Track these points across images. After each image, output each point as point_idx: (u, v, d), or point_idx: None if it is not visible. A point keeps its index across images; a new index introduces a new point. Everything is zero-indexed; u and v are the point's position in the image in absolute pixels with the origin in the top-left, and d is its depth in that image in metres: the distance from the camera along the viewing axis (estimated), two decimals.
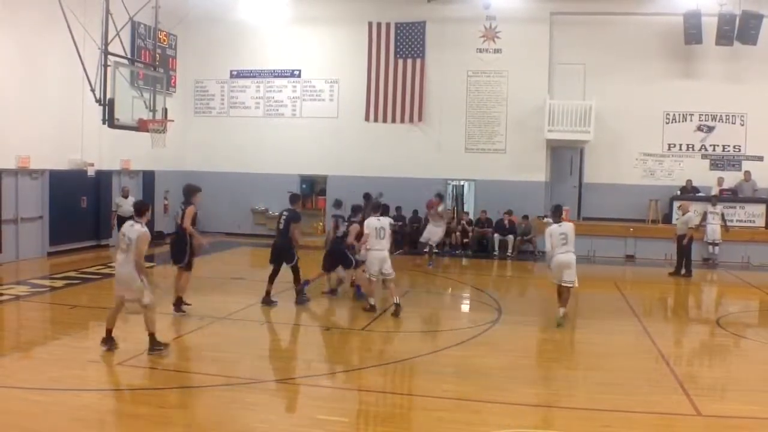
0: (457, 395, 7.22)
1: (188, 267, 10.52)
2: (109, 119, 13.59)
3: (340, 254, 11.88)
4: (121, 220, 16.49)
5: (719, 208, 17.75)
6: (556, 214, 10.89)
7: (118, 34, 14.05)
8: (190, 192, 10.54)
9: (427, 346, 9.36)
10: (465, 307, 13.13)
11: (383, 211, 11.52)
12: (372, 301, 11.13)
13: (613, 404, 6.94)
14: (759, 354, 9.44)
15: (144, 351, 8.31)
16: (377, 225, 11.03)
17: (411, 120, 20.62)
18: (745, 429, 6.53)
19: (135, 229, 8.17)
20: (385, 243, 11.06)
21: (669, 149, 20.07)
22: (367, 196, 13.32)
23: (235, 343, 9.08)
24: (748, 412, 6.81)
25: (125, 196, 16.77)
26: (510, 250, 18.96)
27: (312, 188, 22.37)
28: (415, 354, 8.71)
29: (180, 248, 10.49)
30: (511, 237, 19.03)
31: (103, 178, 17.78)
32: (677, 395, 7.27)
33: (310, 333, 10.29)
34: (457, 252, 19.27)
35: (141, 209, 8.53)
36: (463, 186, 21.36)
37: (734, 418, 6.67)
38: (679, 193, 19.16)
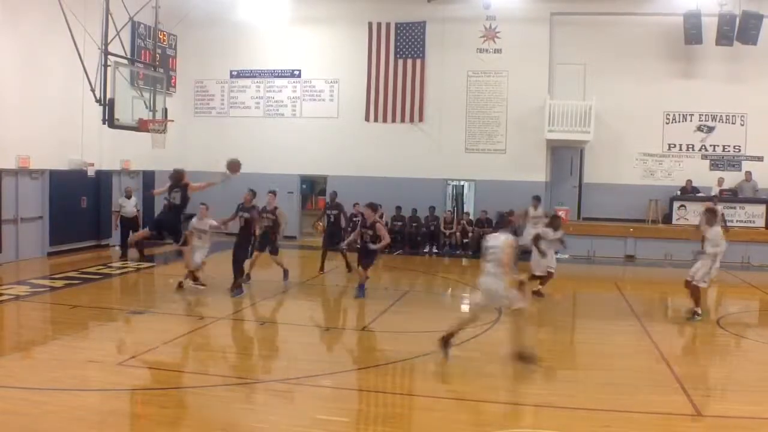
0: (457, 395, 7.22)
1: (185, 242, 12.26)
2: (109, 119, 13.59)
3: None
4: (124, 221, 16.56)
5: (719, 208, 17.69)
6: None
7: (118, 34, 14.05)
8: (182, 175, 12.68)
9: (427, 346, 9.34)
10: (465, 307, 13.11)
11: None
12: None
13: (613, 404, 6.93)
14: (759, 354, 9.43)
15: (147, 350, 8.32)
16: None
17: (411, 120, 20.61)
18: (745, 429, 6.52)
19: (500, 238, 8.62)
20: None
21: (669, 149, 20.05)
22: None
23: (235, 343, 9.07)
24: (748, 412, 6.80)
25: (128, 197, 16.68)
26: None
27: (312, 188, 22.33)
28: (415, 354, 8.70)
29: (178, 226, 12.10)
30: None
31: (103, 178, 17.77)
32: (677, 395, 7.25)
33: (309, 333, 10.28)
34: (457, 252, 19.25)
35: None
36: (463, 186, 21.35)
37: (734, 418, 6.67)
38: (679, 193, 19.15)
